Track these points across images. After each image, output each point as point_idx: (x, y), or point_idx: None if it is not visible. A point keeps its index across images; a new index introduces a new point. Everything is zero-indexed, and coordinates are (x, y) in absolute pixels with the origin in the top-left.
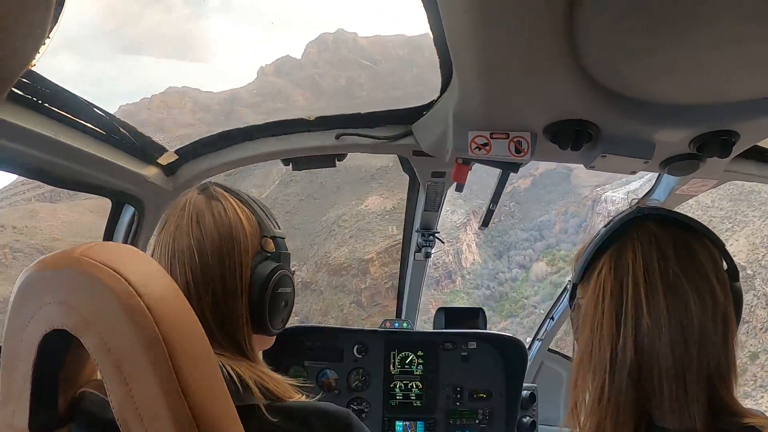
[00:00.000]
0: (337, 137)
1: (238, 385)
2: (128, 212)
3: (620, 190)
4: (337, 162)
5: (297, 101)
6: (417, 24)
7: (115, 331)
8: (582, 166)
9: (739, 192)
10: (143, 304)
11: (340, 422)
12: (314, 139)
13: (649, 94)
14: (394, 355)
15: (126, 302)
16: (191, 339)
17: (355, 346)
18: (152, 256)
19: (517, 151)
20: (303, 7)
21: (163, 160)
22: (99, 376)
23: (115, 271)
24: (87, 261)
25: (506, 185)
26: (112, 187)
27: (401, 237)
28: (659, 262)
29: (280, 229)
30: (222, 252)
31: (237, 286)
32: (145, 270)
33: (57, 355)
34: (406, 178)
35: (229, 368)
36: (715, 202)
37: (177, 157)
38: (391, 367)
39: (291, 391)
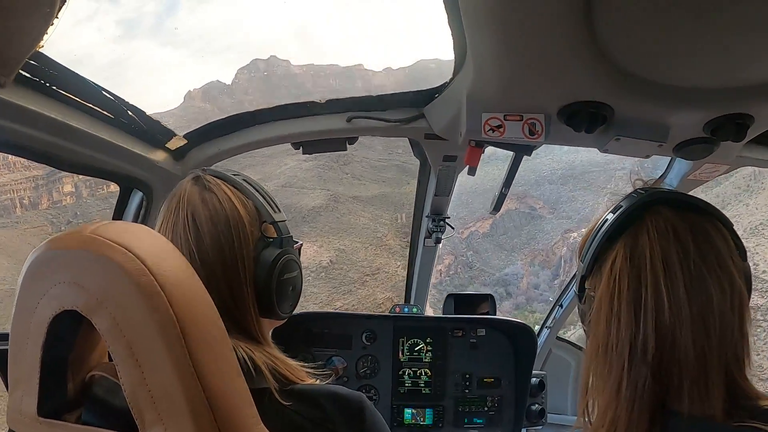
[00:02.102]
0: (348, 120)
1: (251, 368)
2: (136, 197)
3: None
4: (348, 145)
5: None
6: (351, 55)
7: (127, 311)
8: (544, 205)
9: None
10: (156, 283)
11: (352, 405)
12: (325, 122)
13: (666, 76)
14: (402, 342)
15: (138, 281)
16: (205, 320)
17: (364, 334)
18: None
19: (531, 133)
20: (236, 33)
21: (172, 144)
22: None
23: (127, 249)
24: (98, 239)
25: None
26: (120, 172)
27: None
28: (678, 251)
29: (280, 211)
30: (222, 246)
31: (241, 277)
32: (158, 249)
33: (67, 337)
34: (348, 222)
35: (242, 351)
36: None
37: (186, 141)
38: (400, 354)
39: (303, 375)
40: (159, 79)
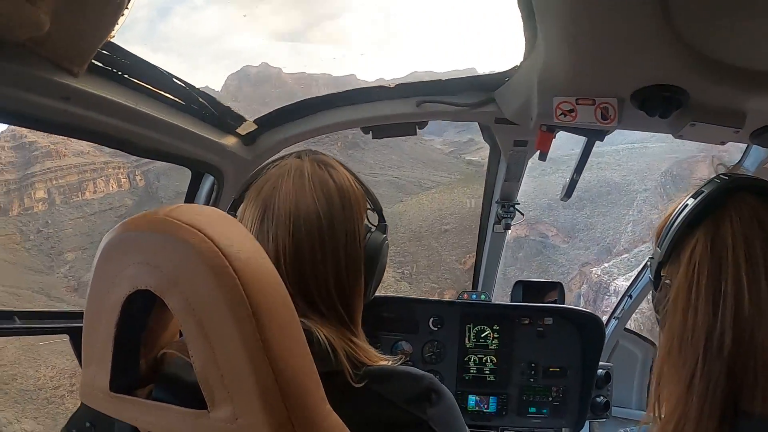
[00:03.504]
0: (418, 104)
1: (328, 350)
2: (207, 182)
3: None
4: (417, 130)
5: None
6: (344, 65)
7: (199, 291)
8: (558, 233)
9: None
10: (228, 265)
11: (423, 385)
12: (395, 106)
13: (744, 60)
14: (469, 328)
15: (211, 263)
16: (275, 301)
17: (431, 319)
18: (242, 222)
19: (604, 117)
20: (229, 39)
21: (242, 129)
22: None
23: (200, 232)
24: (172, 222)
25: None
26: (191, 157)
27: None
28: (762, 241)
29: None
30: (346, 219)
31: (359, 254)
32: (230, 231)
33: (140, 316)
34: None
35: (319, 333)
36: None
37: (256, 126)
38: (466, 341)
39: (375, 357)
40: None
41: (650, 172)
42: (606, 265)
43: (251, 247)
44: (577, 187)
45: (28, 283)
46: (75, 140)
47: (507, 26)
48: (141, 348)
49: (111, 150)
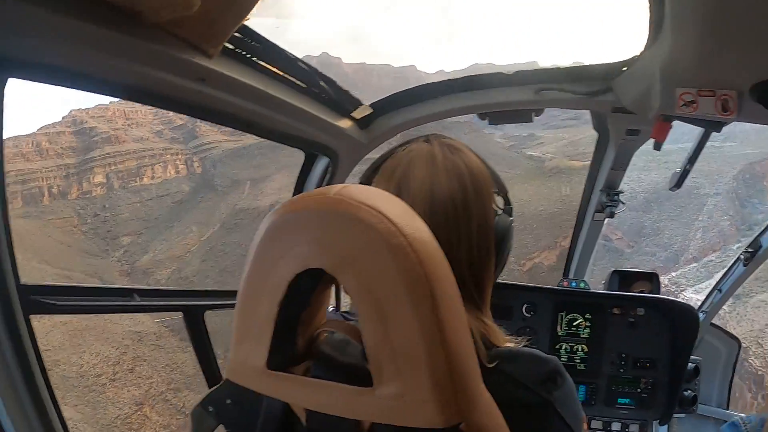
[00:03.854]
0: (537, 92)
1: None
2: (320, 164)
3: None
4: (533, 117)
5: None
6: (404, 56)
7: (376, 269)
8: (623, 237)
9: None
10: (407, 244)
11: (549, 367)
12: (512, 93)
13: None
14: (561, 316)
15: (390, 241)
16: (447, 281)
17: (524, 305)
18: None
19: (724, 109)
20: (289, 29)
21: (358, 113)
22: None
23: (377, 211)
24: (346, 201)
25: None
26: (309, 138)
27: None
28: None
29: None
30: (478, 203)
31: (490, 237)
32: (403, 211)
33: (305, 294)
34: None
35: None
36: None
37: (371, 110)
38: (558, 329)
39: (503, 338)
40: None
41: (721, 175)
42: (674, 274)
43: (423, 227)
44: (643, 188)
45: (82, 265)
46: (135, 127)
47: (623, 16)
48: (299, 327)
49: (170, 137)
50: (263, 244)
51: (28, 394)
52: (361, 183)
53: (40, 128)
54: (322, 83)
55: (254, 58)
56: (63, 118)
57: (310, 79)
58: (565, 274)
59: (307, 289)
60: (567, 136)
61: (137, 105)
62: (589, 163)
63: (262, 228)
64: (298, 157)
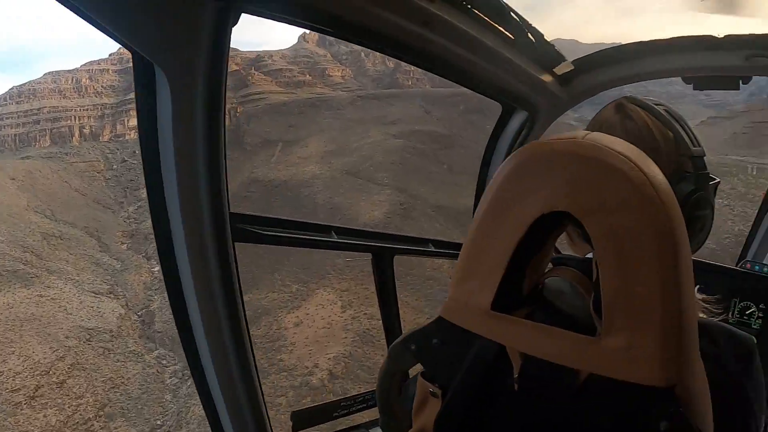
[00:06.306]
0: (747, 58)
1: None
2: (516, 119)
3: None
4: (741, 85)
5: (331, 78)
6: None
7: (624, 218)
8: None
9: None
10: (657, 196)
11: (746, 347)
12: (720, 58)
13: None
14: (735, 302)
15: (643, 191)
16: (685, 240)
17: (697, 286)
18: None
19: None
20: None
21: (559, 69)
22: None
23: (629, 160)
24: (597, 146)
25: None
26: (511, 90)
27: None
28: None
29: (700, 146)
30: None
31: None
32: (650, 163)
33: (542, 237)
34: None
35: None
36: None
37: (572, 67)
38: (729, 315)
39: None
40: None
41: None
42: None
43: (666, 182)
44: None
45: (87, 220)
46: None
47: None
48: (527, 270)
49: None
50: (504, 185)
51: (228, 321)
52: None
53: (84, 64)
54: (529, 35)
55: (470, 6)
56: (110, 55)
57: (519, 30)
58: (743, 255)
59: (545, 231)
60: None
61: None
62: None
63: (505, 168)
64: (335, 120)
